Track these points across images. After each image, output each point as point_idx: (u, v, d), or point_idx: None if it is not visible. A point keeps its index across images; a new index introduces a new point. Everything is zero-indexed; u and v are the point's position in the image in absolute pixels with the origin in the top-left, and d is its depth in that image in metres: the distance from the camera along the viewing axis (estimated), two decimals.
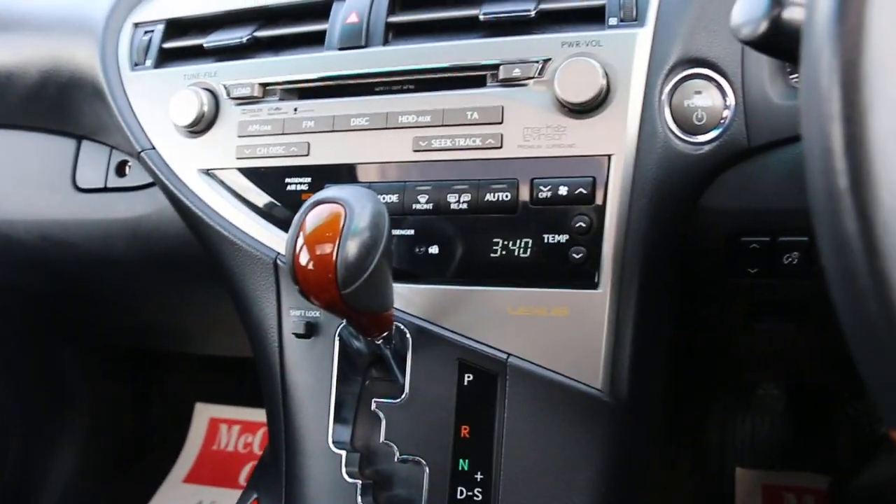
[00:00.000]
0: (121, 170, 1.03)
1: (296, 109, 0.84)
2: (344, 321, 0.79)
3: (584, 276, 0.74)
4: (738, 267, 0.81)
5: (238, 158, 0.86)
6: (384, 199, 0.78)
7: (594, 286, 0.73)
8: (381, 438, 0.78)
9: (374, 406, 0.78)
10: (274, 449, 0.89)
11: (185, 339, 1.59)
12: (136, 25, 0.98)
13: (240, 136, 0.86)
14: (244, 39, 0.89)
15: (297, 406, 0.83)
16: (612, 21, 0.76)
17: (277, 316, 0.84)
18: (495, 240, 0.76)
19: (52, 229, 1.07)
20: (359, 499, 0.78)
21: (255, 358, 0.90)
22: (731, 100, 0.74)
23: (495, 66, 0.77)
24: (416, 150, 0.78)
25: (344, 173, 0.82)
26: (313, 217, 0.64)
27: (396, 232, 0.78)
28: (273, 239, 0.84)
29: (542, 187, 0.74)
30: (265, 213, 0.85)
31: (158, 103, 0.91)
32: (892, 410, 0.42)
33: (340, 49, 0.83)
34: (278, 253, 0.84)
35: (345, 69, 0.83)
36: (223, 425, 1.86)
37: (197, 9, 0.96)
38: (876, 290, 0.38)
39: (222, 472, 1.79)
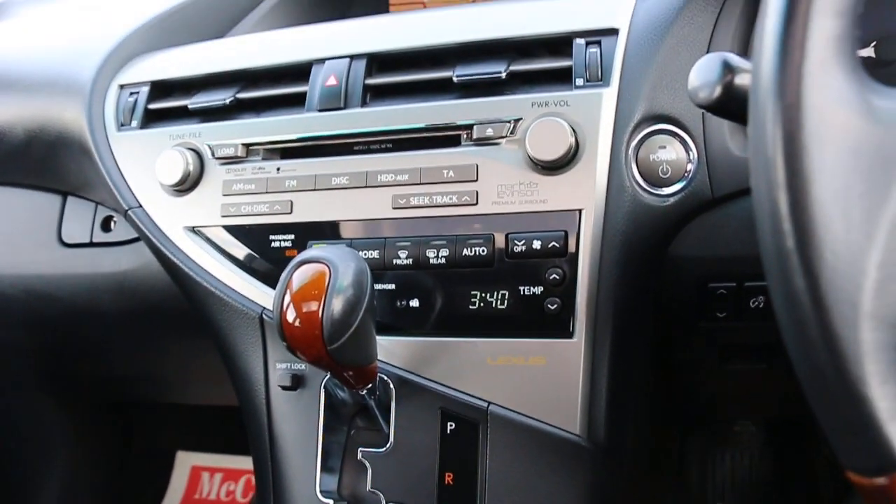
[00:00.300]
0: (106, 225, 1.08)
1: (278, 169, 0.89)
2: (329, 374, 0.84)
3: (559, 326, 0.78)
4: (708, 311, 0.86)
5: (223, 216, 0.91)
6: (365, 254, 0.83)
7: (569, 335, 0.78)
8: (368, 487, 0.82)
9: (360, 455, 0.82)
10: (262, 498, 0.93)
11: (167, 390, 1.62)
12: (122, 87, 1.03)
13: (224, 195, 0.91)
14: (227, 101, 0.94)
15: (284, 456, 0.87)
16: (579, 81, 0.81)
17: (264, 369, 0.88)
18: (473, 292, 0.81)
19: (38, 284, 1.10)
20: None
21: (241, 409, 0.94)
22: (693, 153, 0.79)
23: (469, 126, 0.82)
24: (395, 208, 0.83)
25: (326, 230, 0.87)
26: (299, 276, 0.69)
27: (378, 286, 0.83)
28: (258, 294, 0.89)
29: (516, 241, 0.79)
30: (250, 268, 0.89)
31: (144, 163, 0.96)
32: (845, 453, 0.46)
33: (320, 110, 0.88)
34: (264, 308, 0.88)
35: (325, 130, 0.88)
36: (205, 473, 1.88)
37: (181, 71, 1.01)
38: (823, 340, 0.43)
39: None
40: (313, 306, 0.68)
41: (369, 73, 0.89)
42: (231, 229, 0.91)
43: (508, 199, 0.80)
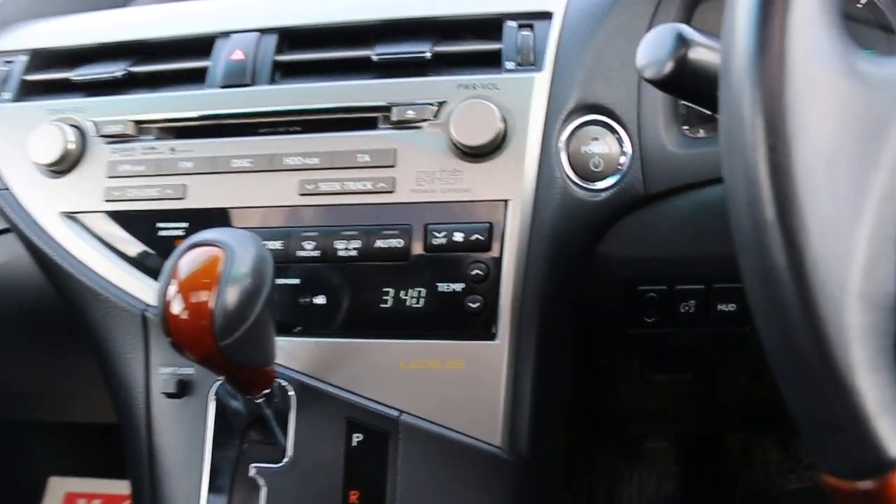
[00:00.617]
0: None
1: (172, 149, 0.81)
2: (220, 379, 0.76)
3: (480, 327, 0.73)
4: (636, 316, 0.83)
5: (106, 201, 0.82)
6: (267, 245, 0.75)
7: (491, 337, 0.73)
8: None
9: (252, 472, 0.74)
10: None
11: (38, 406, 1.48)
12: None
13: (109, 177, 0.82)
14: (118, 74, 0.86)
15: (165, 474, 0.78)
16: (510, 65, 0.77)
17: (145, 374, 0.79)
18: (386, 289, 0.75)
19: None
20: None
21: (119, 422, 0.84)
22: (627, 147, 0.76)
23: (387, 108, 0.77)
24: (302, 194, 0.76)
25: (223, 218, 0.79)
26: (188, 261, 0.61)
27: (280, 281, 0.75)
28: (142, 289, 0.80)
29: (436, 233, 0.74)
30: (134, 260, 0.81)
31: (16, 140, 0.86)
32: (824, 454, 0.42)
33: (223, 87, 0.81)
34: (147, 305, 0.79)
35: (227, 108, 0.81)
36: (81, 501, 1.73)
37: (67, 40, 0.92)
38: (807, 324, 0.39)
39: None
40: (203, 296, 0.60)
41: (280, 49, 0.83)
42: (115, 216, 0.82)
43: (428, 188, 0.74)
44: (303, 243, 0.76)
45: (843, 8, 0.43)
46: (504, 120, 0.74)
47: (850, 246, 0.39)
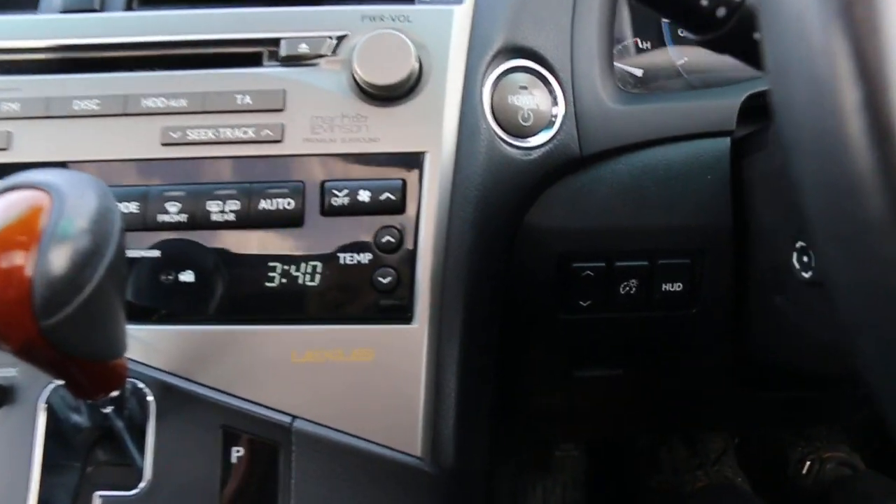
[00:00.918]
0: None
1: None
2: (54, 382, 0.60)
3: (393, 308, 0.60)
4: (570, 299, 0.72)
5: None
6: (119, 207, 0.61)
7: (407, 319, 0.60)
8: None
9: (98, 502, 0.58)
10: None
11: None
12: None
13: None
14: None
15: None
16: None
17: None
18: (273, 263, 0.60)
19: None
20: None
21: None
22: (560, 99, 0.67)
23: (275, 41, 0.63)
24: (165, 144, 0.61)
25: None
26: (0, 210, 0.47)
27: (134, 253, 0.60)
28: None
29: (336, 192, 0.60)
30: None
31: None
32: None
33: (64, 12, 0.65)
34: None
35: (69, 37, 0.64)
36: None
37: None
38: None
39: None
40: (18, 258, 0.44)
41: None
42: None
43: (327, 137, 0.61)
44: (165, 205, 0.60)
45: None
46: (419, 58, 0.63)
47: None
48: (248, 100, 0.61)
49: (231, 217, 0.60)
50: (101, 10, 0.65)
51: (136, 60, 0.64)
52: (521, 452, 1.31)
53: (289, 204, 0.60)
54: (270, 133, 0.61)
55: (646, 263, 0.70)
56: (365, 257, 0.60)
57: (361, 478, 0.59)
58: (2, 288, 0.43)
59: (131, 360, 0.57)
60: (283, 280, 0.60)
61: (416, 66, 0.61)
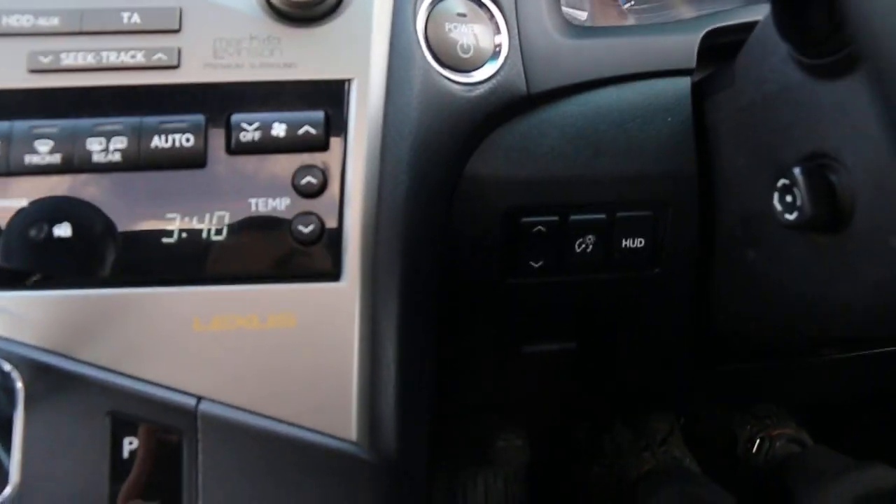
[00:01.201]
0: None
1: None
2: None
3: (317, 262, 0.50)
4: (519, 260, 0.65)
5: None
6: None
7: (334, 276, 0.50)
8: None
9: None
10: None
11: None
12: None
13: None
14: None
15: None
16: None
17: None
18: (171, 214, 0.49)
19: None
20: None
21: None
22: (503, 29, 0.60)
23: None
24: (33, 71, 0.49)
25: None
26: None
27: None
28: None
29: (244, 126, 0.50)
30: None
31: None
32: None
33: None
34: None
35: None
36: None
37: None
38: None
39: None
40: None
41: None
42: None
43: (232, 62, 0.51)
44: (34, 144, 0.48)
45: None
46: None
47: None
48: (136, 18, 0.51)
49: (116, 157, 0.49)
50: None
51: None
52: (459, 443, 1.22)
53: (187, 141, 0.49)
54: (164, 57, 0.50)
55: (603, 217, 0.64)
56: (282, 203, 0.50)
57: (284, 469, 0.49)
58: None
59: None
60: (183, 232, 0.49)
61: None
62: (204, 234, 0.49)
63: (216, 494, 0.49)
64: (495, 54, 0.60)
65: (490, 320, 0.70)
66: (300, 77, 0.51)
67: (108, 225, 0.49)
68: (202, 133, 0.50)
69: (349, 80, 0.52)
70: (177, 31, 0.51)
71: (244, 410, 0.49)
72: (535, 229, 0.63)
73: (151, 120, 0.50)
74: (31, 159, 0.48)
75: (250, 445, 0.49)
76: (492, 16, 0.60)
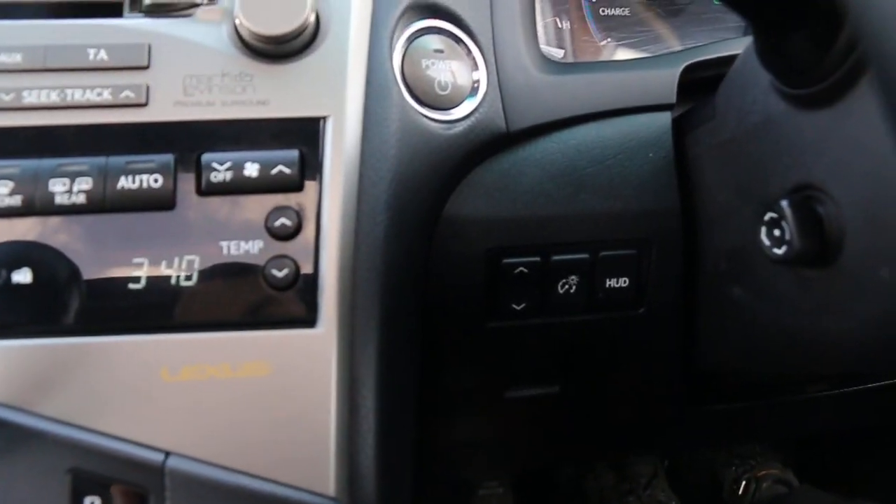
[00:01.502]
0: None
1: None
2: None
3: (291, 308, 0.49)
4: (501, 302, 0.64)
5: None
6: None
7: (310, 322, 0.49)
8: None
9: None
10: None
11: None
12: None
13: None
14: None
15: None
16: None
17: None
18: (138, 259, 0.48)
19: None
20: None
21: None
22: (481, 66, 0.59)
23: None
24: None
25: None
26: None
27: None
28: None
29: (215, 166, 0.49)
30: None
31: None
32: None
33: None
34: None
35: None
36: None
37: None
38: None
39: None
40: None
41: None
42: None
43: (203, 99, 0.50)
44: None
45: None
46: (315, 9, 0.53)
47: None
48: (102, 55, 0.50)
49: (81, 199, 0.47)
50: None
51: None
52: (440, 491, 1.20)
53: (156, 181, 0.48)
54: (131, 95, 0.49)
55: (586, 256, 0.63)
56: (254, 246, 0.48)
57: None
58: None
59: None
60: (151, 278, 0.47)
61: (313, 16, 0.51)
62: (173, 280, 0.48)
63: None
64: (473, 91, 0.59)
65: (471, 365, 0.69)
66: (273, 115, 0.50)
67: (72, 270, 0.48)
68: (171, 173, 0.49)
69: (324, 118, 0.51)
70: (145, 68, 0.50)
71: (215, 465, 0.47)
72: (517, 270, 0.62)
73: (118, 160, 0.48)
74: None
75: (222, 503, 0.47)
76: (469, 52, 0.60)
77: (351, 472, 0.49)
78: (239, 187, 0.49)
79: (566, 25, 0.77)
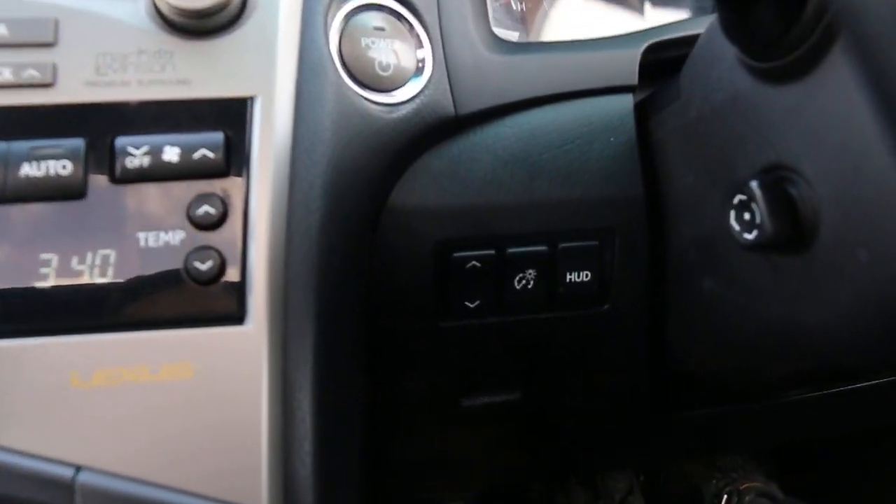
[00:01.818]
0: None
1: None
2: None
3: (217, 304, 0.47)
4: (452, 300, 0.62)
5: None
6: None
7: (238, 319, 0.47)
8: None
9: None
10: None
11: None
12: None
13: None
14: None
15: None
16: None
17: None
18: (45, 254, 0.45)
19: None
20: None
21: None
22: (426, 44, 0.58)
23: None
24: None
25: None
26: None
27: None
28: None
29: (131, 151, 0.46)
30: None
31: None
32: None
33: None
34: None
35: None
36: None
37: None
38: None
39: None
40: None
41: None
42: None
43: (118, 79, 0.48)
44: None
45: None
46: None
47: None
48: (2, 30, 0.48)
49: None
50: None
51: None
52: None
53: (64, 168, 0.46)
54: (35, 74, 0.47)
55: (545, 249, 0.62)
56: (175, 237, 0.46)
57: None
58: None
59: None
60: (60, 274, 0.45)
61: None
62: (85, 276, 0.46)
63: None
64: (418, 72, 0.58)
65: (423, 369, 0.67)
66: (196, 95, 0.48)
67: None
68: (81, 159, 0.46)
69: (252, 98, 0.49)
70: (51, 45, 0.48)
71: (133, 480, 0.45)
72: (469, 265, 0.61)
73: (21, 145, 0.46)
74: None
75: None
76: (412, 29, 0.59)
77: (286, 484, 0.47)
78: (157, 173, 0.47)
79: (521, 6, 0.77)
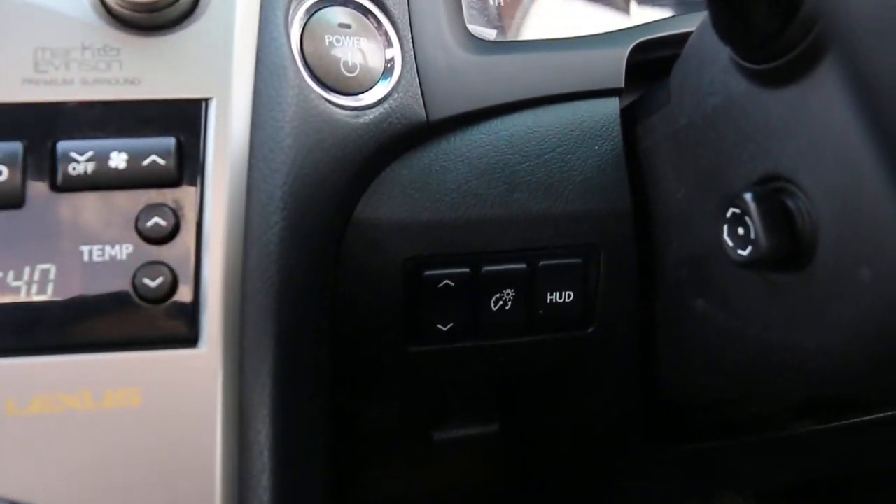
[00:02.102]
0: None
1: None
2: None
3: (167, 325, 0.49)
4: (424, 322, 0.65)
5: None
6: None
7: (190, 342, 0.49)
8: None
9: None
10: None
11: None
12: None
13: None
14: None
15: None
16: None
17: None
18: None
19: None
20: None
21: None
22: (395, 43, 0.61)
23: None
24: None
25: None
26: None
27: None
28: None
29: (74, 157, 0.49)
30: None
31: None
32: None
33: None
34: None
35: None
36: None
37: None
38: None
39: None
40: None
41: None
42: None
43: (59, 77, 0.50)
44: None
45: None
46: None
47: None
48: None
49: None
50: None
51: None
52: None
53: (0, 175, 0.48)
54: None
55: (524, 267, 0.65)
56: (122, 251, 0.48)
57: None
58: None
59: None
60: None
61: None
62: (22, 293, 0.48)
63: None
64: (386, 73, 0.61)
65: (390, 398, 0.69)
66: (145, 96, 0.51)
67: None
68: (19, 165, 0.48)
69: (206, 100, 0.52)
70: None
71: None
72: (442, 284, 0.63)
73: None
74: None
75: None
76: (380, 26, 0.61)
77: None
78: (102, 181, 0.49)
79: (498, 1, 0.79)
